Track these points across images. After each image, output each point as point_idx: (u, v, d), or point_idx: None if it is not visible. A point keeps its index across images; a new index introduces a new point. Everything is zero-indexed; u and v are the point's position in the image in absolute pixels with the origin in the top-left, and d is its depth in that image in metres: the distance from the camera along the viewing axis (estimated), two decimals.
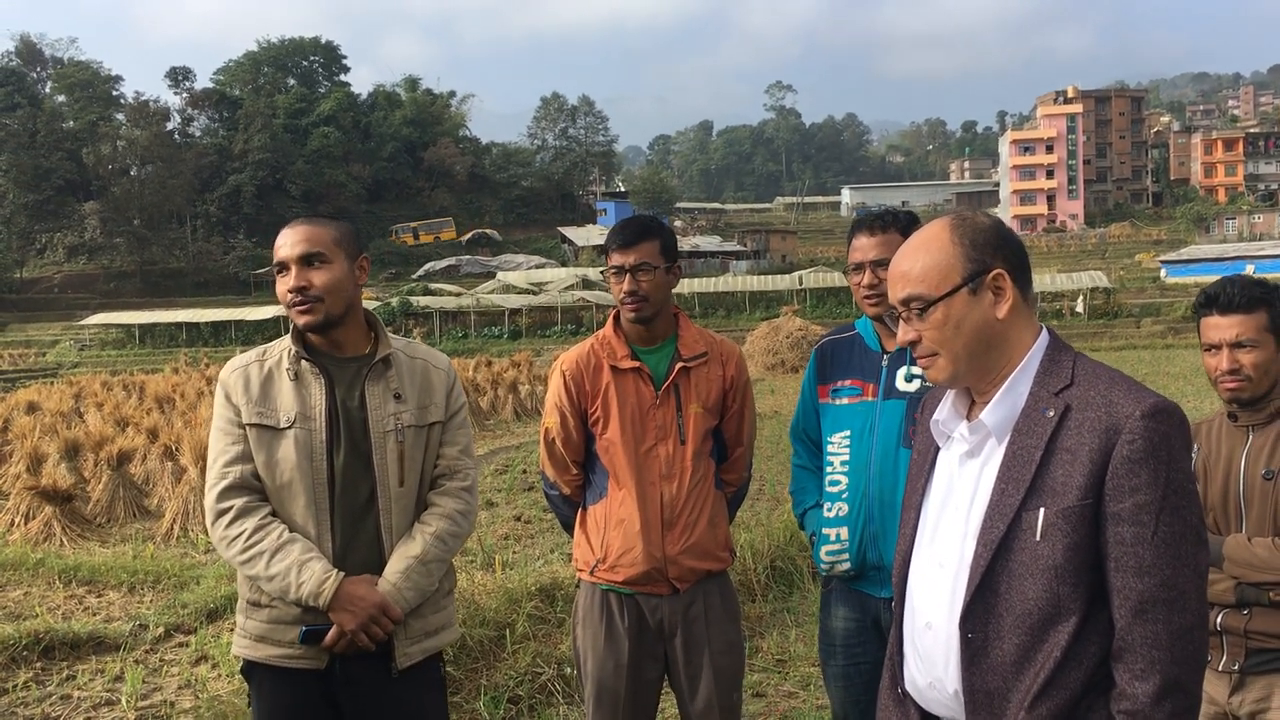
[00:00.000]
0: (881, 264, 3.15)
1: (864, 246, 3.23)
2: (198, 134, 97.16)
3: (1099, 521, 1.83)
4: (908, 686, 2.07)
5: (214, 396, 2.97)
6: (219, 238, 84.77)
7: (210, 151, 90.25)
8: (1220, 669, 2.84)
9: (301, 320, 2.83)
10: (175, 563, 8.93)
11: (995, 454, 1.95)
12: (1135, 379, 1.94)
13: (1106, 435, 1.83)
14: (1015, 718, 1.85)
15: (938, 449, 2.09)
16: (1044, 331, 2.01)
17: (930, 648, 1.98)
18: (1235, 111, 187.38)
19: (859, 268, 3.24)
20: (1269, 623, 2.75)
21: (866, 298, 3.20)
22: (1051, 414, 1.89)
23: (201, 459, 10.83)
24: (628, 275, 3.24)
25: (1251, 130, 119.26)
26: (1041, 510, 1.85)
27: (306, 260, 2.82)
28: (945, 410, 2.07)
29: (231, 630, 6.56)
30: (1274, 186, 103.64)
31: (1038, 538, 1.85)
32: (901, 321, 2.02)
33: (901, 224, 3.21)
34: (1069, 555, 1.83)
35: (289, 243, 2.84)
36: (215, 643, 6.48)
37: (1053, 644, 1.83)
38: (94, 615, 7.35)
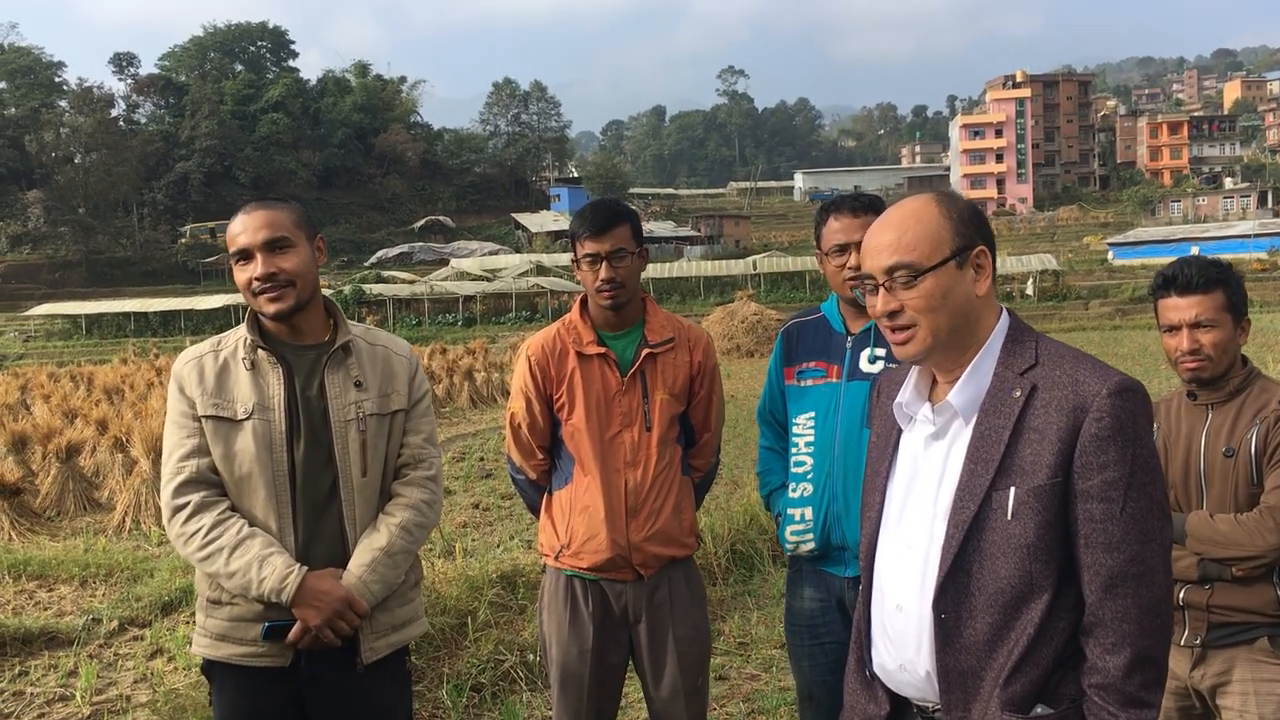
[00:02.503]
0: None
1: (848, 227, 3.18)
2: (143, 121, 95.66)
3: (1068, 499, 1.85)
4: (876, 669, 2.07)
5: (165, 387, 2.88)
6: (166, 226, 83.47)
7: (156, 139, 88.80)
8: (1182, 643, 2.87)
9: (273, 308, 2.72)
10: (128, 556, 8.77)
11: (962, 435, 1.95)
12: (1097, 358, 1.95)
13: (1074, 414, 1.84)
14: (989, 696, 1.86)
15: (900, 431, 2.09)
16: (1004, 313, 2.02)
17: (901, 630, 1.98)
18: (1180, 95, 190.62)
19: (843, 249, 3.17)
20: (1230, 597, 2.79)
21: (851, 280, 3.13)
22: (1018, 394, 1.90)
23: (153, 450, 10.65)
24: (604, 263, 3.18)
25: (1195, 114, 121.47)
26: (1012, 489, 1.86)
27: (271, 246, 2.72)
28: (908, 393, 2.06)
29: (187, 623, 6.50)
30: (1218, 169, 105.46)
31: (1009, 517, 1.85)
32: (882, 291, 1.98)
33: (877, 207, 3.21)
34: (1040, 533, 1.84)
35: (250, 228, 2.72)
36: (171, 636, 6.39)
37: (1026, 621, 1.85)
38: (45, 610, 7.22)
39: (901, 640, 1.98)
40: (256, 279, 2.71)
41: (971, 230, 1.97)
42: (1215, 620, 2.82)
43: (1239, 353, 2.92)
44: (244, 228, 2.74)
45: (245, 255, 2.73)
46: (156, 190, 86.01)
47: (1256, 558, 2.72)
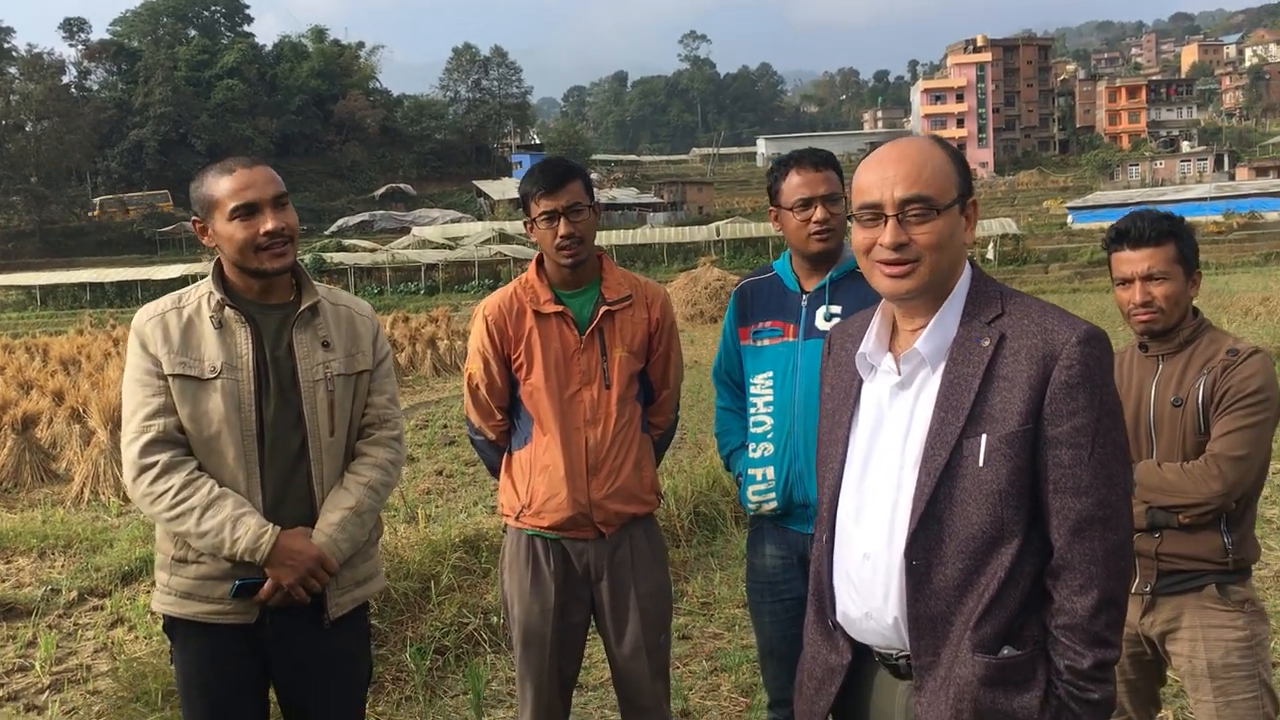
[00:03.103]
0: (831, 199, 3.13)
1: (811, 181, 3.15)
2: (95, 88, 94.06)
3: (1037, 445, 1.88)
4: (839, 619, 2.08)
5: (123, 358, 2.84)
6: (122, 195, 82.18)
7: (109, 106, 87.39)
8: (1133, 591, 2.92)
9: (277, 264, 2.72)
10: (86, 526, 8.71)
11: (929, 383, 1.97)
12: (1060, 307, 1.98)
13: (1044, 362, 1.87)
14: (959, 640, 1.89)
15: (860, 382, 2.09)
16: (968, 264, 2.04)
17: (868, 578, 1.99)
18: (1139, 59, 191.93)
19: (807, 203, 3.15)
20: (1179, 545, 2.84)
21: (817, 234, 3.13)
22: (987, 343, 1.92)
23: (110, 421, 10.53)
24: (561, 219, 3.17)
25: (1154, 78, 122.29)
26: (983, 437, 1.88)
27: (279, 201, 2.72)
28: (870, 343, 2.07)
29: (147, 592, 6.45)
30: (1175, 132, 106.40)
31: (980, 464, 1.88)
32: (893, 222, 1.95)
33: (834, 163, 3.21)
34: (1012, 480, 1.87)
35: (259, 183, 2.70)
36: (131, 605, 6.35)
37: (996, 566, 1.88)
38: (3, 582, 7.15)
39: (868, 589, 1.99)
40: (267, 233, 2.68)
41: (968, 178, 2.01)
42: (1164, 568, 2.87)
43: (1190, 305, 2.95)
44: (250, 182, 2.69)
45: (252, 210, 2.68)
46: (110, 158, 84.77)
47: (1201, 504, 2.77)
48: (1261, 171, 79.98)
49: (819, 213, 3.13)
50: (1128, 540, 1.89)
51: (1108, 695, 1.87)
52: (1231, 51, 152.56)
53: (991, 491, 1.87)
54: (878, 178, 1.97)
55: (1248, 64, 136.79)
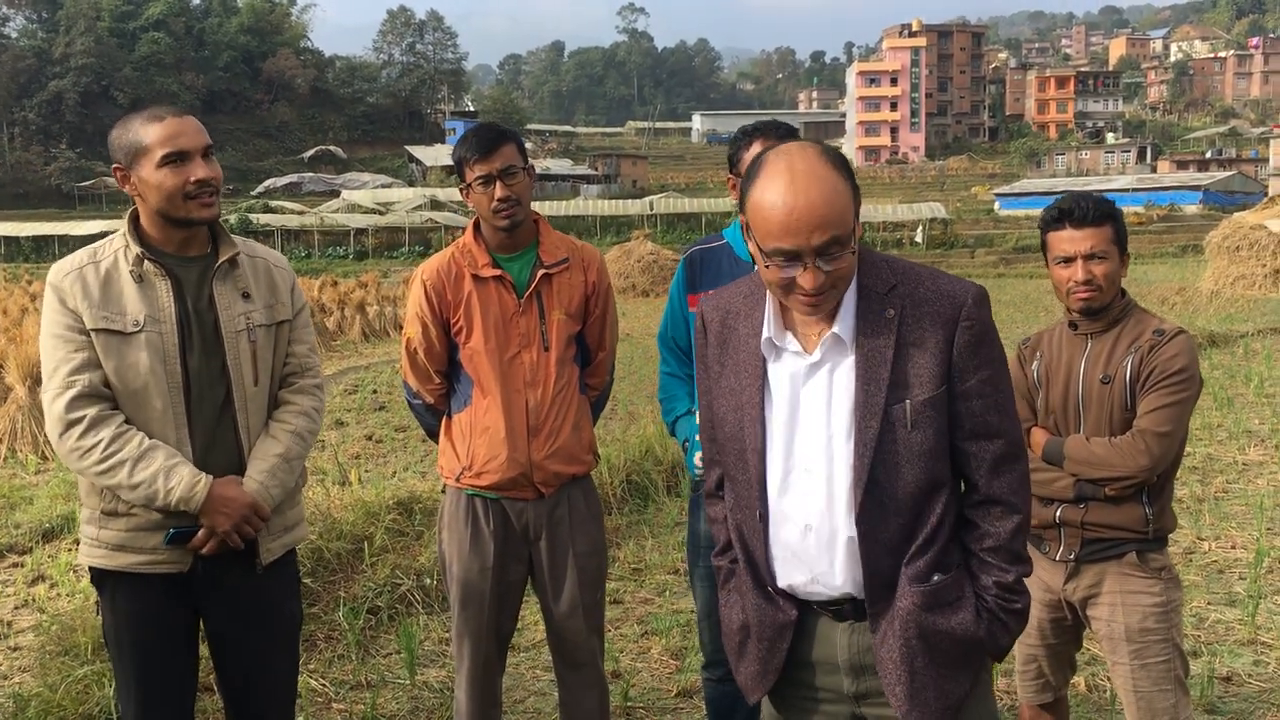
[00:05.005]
0: None
1: None
2: (14, 35, 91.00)
3: (951, 399, 2.02)
4: (780, 585, 2.13)
5: (40, 313, 2.81)
6: (39, 147, 79.82)
7: (28, 54, 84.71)
8: (1057, 558, 3.03)
9: (206, 213, 2.73)
10: (4, 484, 8.54)
11: (843, 359, 2.03)
12: (937, 269, 2.11)
13: (948, 326, 2.00)
14: (901, 580, 2.02)
15: (763, 360, 2.10)
16: None
17: (812, 549, 2.05)
18: (1068, 50, 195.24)
19: None
20: (1103, 515, 2.95)
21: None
22: (891, 313, 2.01)
23: (29, 376, 10.29)
24: (497, 182, 3.18)
25: (1082, 69, 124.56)
26: (907, 403, 1.98)
27: (208, 152, 2.74)
28: (771, 327, 2.08)
29: (69, 550, 6.35)
30: (1100, 124, 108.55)
31: (909, 429, 1.98)
32: (811, 268, 1.91)
33: (796, 136, 3.24)
34: (939, 437, 2.01)
35: (190, 131, 2.71)
36: (52, 562, 6.25)
37: (929, 514, 2.02)
38: None
39: (812, 558, 2.06)
40: (197, 181, 2.68)
41: (853, 178, 1.99)
42: (1089, 536, 2.98)
43: (1120, 285, 3.06)
44: (182, 130, 2.70)
45: (183, 157, 2.69)
46: (28, 109, 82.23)
47: (1128, 478, 2.88)
48: (1182, 165, 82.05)
49: None
50: (1028, 464, 2.12)
51: (1027, 604, 2.09)
52: (1158, 46, 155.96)
53: (923, 451, 1.99)
54: (788, 226, 1.90)
55: (1173, 59, 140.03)
